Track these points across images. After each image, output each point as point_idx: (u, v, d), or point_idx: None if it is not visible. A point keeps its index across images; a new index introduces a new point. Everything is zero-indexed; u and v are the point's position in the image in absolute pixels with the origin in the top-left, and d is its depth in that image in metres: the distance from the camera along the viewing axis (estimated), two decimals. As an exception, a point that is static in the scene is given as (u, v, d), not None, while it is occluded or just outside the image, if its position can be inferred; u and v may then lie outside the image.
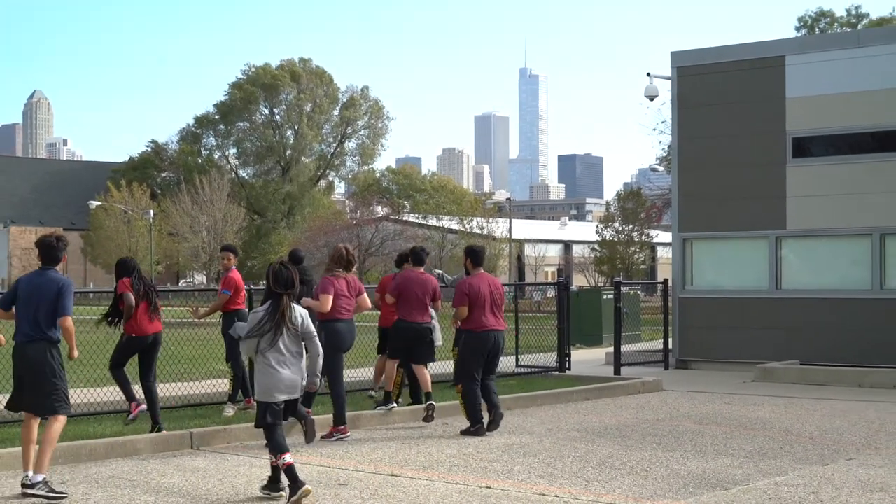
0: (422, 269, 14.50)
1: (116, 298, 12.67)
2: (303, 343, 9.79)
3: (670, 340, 22.50)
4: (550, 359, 20.23)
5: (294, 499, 9.15)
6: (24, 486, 9.61)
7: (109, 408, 13.95)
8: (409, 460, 11.53)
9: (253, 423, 10.36)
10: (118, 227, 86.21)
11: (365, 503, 9.40)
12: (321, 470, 10.92)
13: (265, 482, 9.72)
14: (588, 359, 23.67)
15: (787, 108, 21.51)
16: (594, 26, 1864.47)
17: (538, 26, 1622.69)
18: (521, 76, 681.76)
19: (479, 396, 13.44)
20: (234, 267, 14.76)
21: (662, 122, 54.38)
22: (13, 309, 10.11)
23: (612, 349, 21.43)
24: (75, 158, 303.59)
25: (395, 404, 14.51)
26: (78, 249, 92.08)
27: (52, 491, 9.57)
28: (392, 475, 10.64)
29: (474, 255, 13.81)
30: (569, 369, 20.07)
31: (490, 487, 10.05)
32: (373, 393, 15.39)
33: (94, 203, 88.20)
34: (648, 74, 36.66)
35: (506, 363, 19.79)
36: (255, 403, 12.14)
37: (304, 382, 9.84)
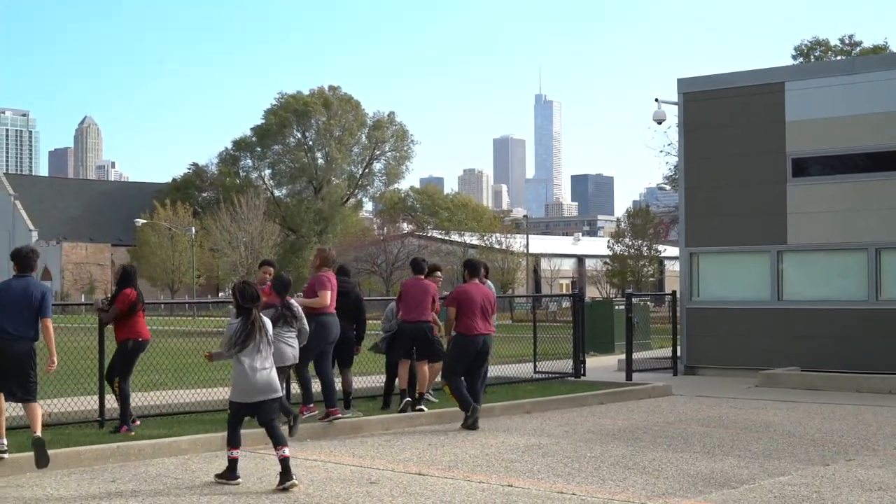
0: (421, 277, 14.99)
1: (114, 300, 12.76)
2: (276, 344, 10.76)
3: (678, 348, 22.38)
4: (566, 365, 20.15)
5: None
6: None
7: (155, 411, 13.98)
8: (436, 460, 11.50)
9: (286, 426, 10.90)
10: (162, 243, 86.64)
11: (395, 500, 9.38)
12: (353, 469, 10.91)
13: (221, 471, 10.21)
14: (601, 365, 23.56)
15: (787, 130, 21.41)
16: (605, 55, 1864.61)
17: (552, 56, 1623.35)
18: (537, 101, 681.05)
19: (461, 385, 13.89)
20: (269, 281, 14.78)
21: (669, 145, 54.32)
22: None
23: (624, 356, 21.33)
24: (122, 179, 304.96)
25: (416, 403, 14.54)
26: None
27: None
28: (420, 474, 10.62)
29: (471, 267, 14.73)
30: (584, 375, 19.98)
31: (512, 486, 10.01)
32: (428, 396, 15.30)
33: (140, 221, 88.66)
34: (657, 100, 36.63)
35: (524, 369, 19.85)
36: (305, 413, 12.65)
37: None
